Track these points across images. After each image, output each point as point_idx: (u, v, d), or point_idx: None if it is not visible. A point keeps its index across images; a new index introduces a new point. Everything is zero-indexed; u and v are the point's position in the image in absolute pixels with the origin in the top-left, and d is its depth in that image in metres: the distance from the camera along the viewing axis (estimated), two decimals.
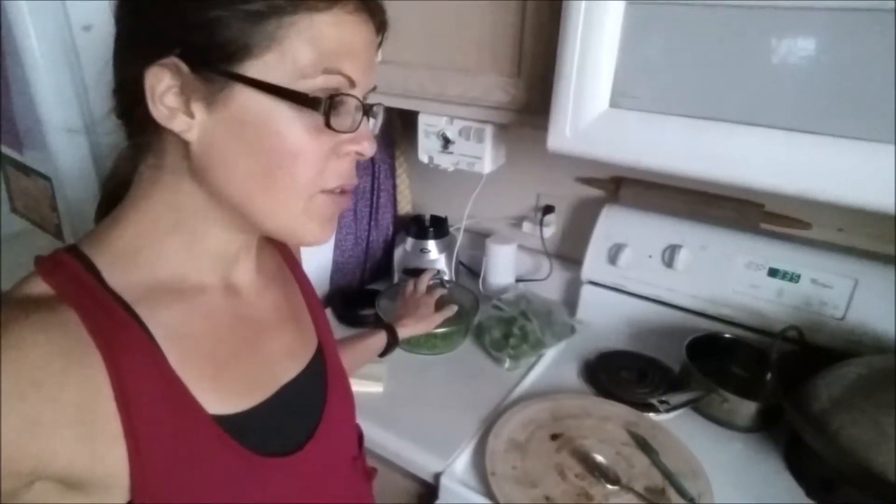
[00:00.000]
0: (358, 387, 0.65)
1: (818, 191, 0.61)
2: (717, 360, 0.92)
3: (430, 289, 1.05)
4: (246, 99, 0.38)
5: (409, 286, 1.04)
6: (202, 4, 0.37)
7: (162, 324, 0.41)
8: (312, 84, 0.39)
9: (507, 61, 0.81)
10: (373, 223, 1.25)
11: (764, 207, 0.96)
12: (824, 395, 0.73)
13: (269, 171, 0.40)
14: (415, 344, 1.01)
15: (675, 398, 0.84)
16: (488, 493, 0.71)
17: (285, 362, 0.51)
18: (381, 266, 1.29)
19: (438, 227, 1.21)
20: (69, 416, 0.35)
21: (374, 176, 1.22)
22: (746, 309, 0.95)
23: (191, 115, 0.39)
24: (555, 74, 0.72)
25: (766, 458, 0.80)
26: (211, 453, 0.41)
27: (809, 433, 0.71)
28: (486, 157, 0.97)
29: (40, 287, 0.38)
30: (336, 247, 1.21)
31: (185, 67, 0.38)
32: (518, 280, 1.21)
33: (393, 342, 0.89)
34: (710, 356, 0.91)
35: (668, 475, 0.73)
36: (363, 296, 1.15)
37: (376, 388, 0.92)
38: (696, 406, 0.87)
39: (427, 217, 1.24)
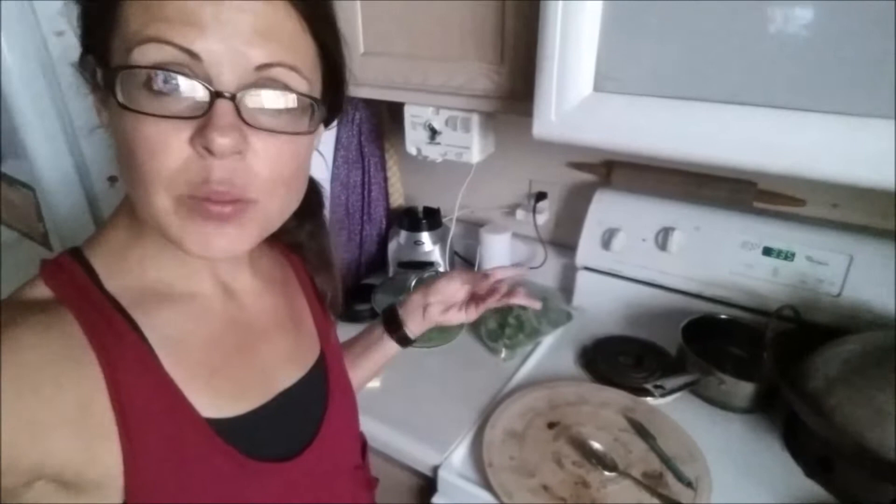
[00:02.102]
0: None
1: (810, 169, 0.59)
2: (714, 341, 0.92)
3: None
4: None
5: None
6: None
7: (156, 327, 0.41)
8: (136, 57, 0.34)
9: (489, 48, 0.80)
10: (365, 217, 1.24)
11: (757, 186, 0.95)
12: (820, 373, 0.72)
13: (128, 161, 0.36)
14: None
15: (671, 382, 0.84)
16: (486, 484, 0.71)
17: (284, 367, 0.51)
18: (375, 260, 1.29)
19: (431, 219, 1.20)
20: (66, 417, 0.35)
21: (365, 170, 1.21)
22: (742, 289, 0.95)
23: (102, 109, 0.39)
24: (537, 59, 0.70)
25: (765, 439, 0.80)
26: (204, 456, 0.41)
27: (806, 412, 0.70)
28: (473, 146, 0.96)
29: (41, 290, 0.39)
30: None
31: (90, 62, 0.38)
32: None
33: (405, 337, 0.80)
34: (707, 338, 0.91)
35: (665, 460, 0.73)
36: (359, 291, 1.15)
37: (373, 384, 0.92)
38: (693, 389, 0.87)
39: (420, 209, 1.23)
